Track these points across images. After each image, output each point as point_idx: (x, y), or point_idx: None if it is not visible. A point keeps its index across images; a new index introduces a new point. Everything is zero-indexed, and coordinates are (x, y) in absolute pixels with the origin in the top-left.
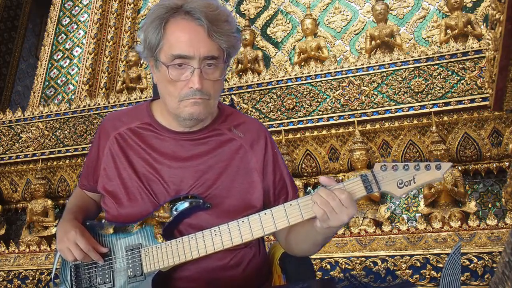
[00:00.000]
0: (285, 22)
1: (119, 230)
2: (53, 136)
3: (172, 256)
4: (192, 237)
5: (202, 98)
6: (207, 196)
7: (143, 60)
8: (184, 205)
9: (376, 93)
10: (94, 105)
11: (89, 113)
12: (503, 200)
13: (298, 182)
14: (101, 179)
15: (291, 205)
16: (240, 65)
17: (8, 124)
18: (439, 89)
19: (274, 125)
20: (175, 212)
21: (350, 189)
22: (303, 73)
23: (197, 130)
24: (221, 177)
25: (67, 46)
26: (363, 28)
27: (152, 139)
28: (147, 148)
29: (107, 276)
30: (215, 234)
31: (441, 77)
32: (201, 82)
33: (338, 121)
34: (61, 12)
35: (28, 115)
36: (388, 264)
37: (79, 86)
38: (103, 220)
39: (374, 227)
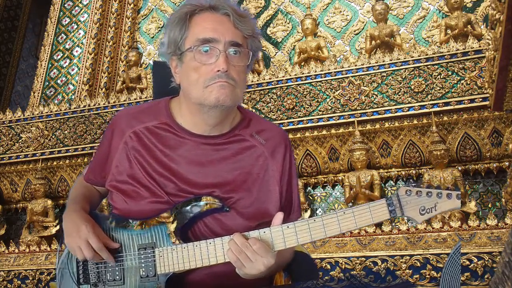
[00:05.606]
0: (285, 22)
1: (130, 226)
2: (53, 136)
3: (188, 261)
4: (210, 243)
5: (228, 82)
6: (226, 201)
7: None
8: (202, 206)
9: (376, 93)
10: (94, 105)
11: (89, 113)
12: (503, 200)
13: (298, 182)
14: (111, 176)
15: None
16: None
17: (8, 124)
18: (439, 89)
19: None
20: (191, 214)
21: (374, 212)
22: (303, 73)
23: (219, 134)
24: (240, 183)
25: (67, 46)
26: (363, 28)
27: (171, 140)
28: (164, 149)
29: (117, 273)
30: None
31: (441, 77)
32: (227, 64)
33: (338, 121)
34: (61, 12)
35: (28, 115)
36: (388, 264)
37: (79, 86)
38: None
39: (374, 227)
